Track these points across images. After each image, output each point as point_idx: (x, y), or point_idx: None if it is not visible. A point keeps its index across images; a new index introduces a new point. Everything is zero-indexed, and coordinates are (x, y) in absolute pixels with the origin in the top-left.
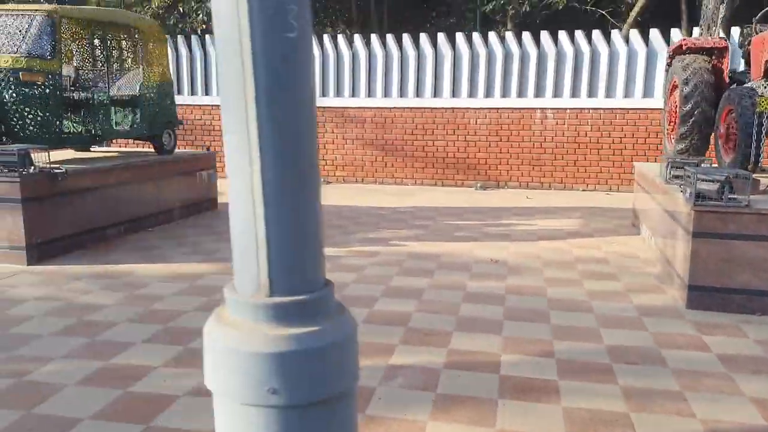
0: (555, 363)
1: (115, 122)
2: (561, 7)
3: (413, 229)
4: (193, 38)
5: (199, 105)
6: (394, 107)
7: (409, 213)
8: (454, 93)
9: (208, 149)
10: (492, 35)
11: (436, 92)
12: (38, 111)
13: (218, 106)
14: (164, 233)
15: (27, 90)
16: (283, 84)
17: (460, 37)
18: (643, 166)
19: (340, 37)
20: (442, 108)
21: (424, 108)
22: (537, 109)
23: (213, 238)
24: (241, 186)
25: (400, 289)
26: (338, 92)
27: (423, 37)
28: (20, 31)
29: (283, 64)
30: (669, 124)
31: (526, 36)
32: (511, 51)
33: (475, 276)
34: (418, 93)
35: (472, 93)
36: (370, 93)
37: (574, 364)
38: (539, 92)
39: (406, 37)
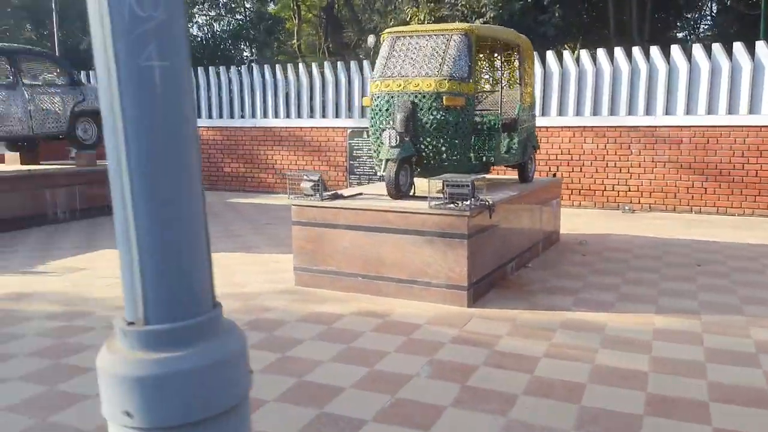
0: None
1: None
2: None
3: None
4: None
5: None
6: (720, 125)
7: None
8: None
9: (554, 175)
10: None
11: None
12: (454, 137)
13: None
14: (546, 270)
15: (447, 115)
16: (151, 114)
17: None
18: None
19: (654, 49)
20: None
21: (761, 126)
22: None
23: (610, 279)
24: (120, 217)
25: None
26: (648, 110)
27: (761, 45)
28: (438, 52)
29: (150, 93)
30: None
31: None
32: None
33: None
34: (752, 108)
35: None
36: (689, 110)
37: None
38: None
39: (738, 46)
